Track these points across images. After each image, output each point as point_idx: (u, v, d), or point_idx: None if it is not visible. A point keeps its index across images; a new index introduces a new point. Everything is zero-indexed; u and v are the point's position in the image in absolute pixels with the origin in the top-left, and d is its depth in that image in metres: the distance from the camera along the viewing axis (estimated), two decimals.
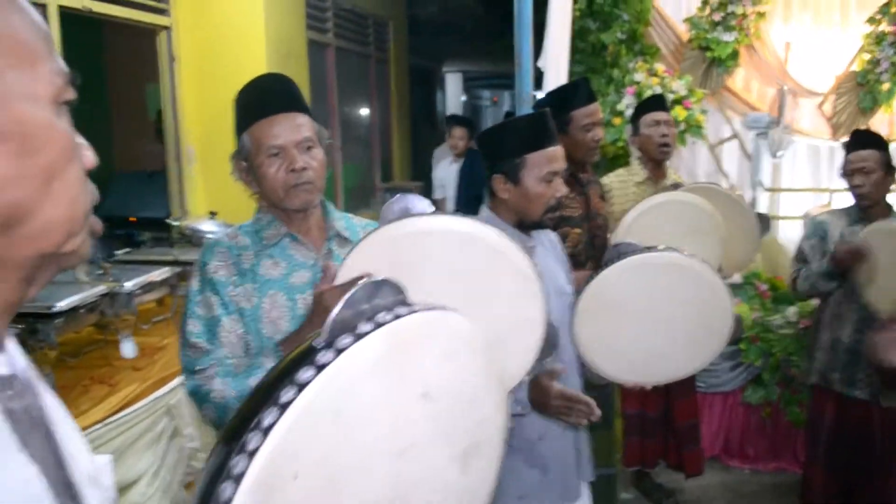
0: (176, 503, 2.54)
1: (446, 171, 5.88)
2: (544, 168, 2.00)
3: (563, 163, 2.06)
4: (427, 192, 6.61)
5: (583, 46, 5.15)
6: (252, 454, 0.59)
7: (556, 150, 2.03)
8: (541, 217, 2.05)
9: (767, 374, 3.97)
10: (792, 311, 3.99)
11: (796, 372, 3.87)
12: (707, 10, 4.97)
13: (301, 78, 5.22)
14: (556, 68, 4.50)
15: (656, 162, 3.31)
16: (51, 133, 0.59)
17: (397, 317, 0.74)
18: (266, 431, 0.60)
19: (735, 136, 5.49)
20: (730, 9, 4.89)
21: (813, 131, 5.34)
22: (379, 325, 0.72)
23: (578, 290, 2.06)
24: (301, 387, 0.63)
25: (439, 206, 6.04)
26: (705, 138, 5.12)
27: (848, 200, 5.32)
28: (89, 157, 0.65)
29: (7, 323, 0.62)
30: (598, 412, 1.90)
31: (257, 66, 4.60)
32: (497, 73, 15.72)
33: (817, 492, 3.28)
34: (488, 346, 0.85)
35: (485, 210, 2.10)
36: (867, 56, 4.84)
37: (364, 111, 7.00)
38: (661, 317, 2.04)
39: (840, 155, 5.42)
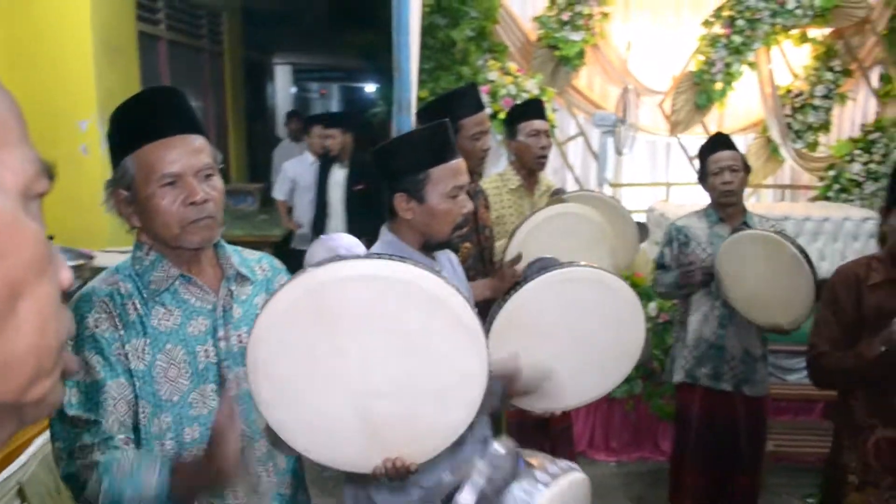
0: None
1: (303, 172, 5.50)
2: (449, 183, 1.85)
3: (467, 176, 1.93)
4: (268, 192, 6.24)
5: (431, 43, 5.07)
6: None
7: (460, 163, 1.89)
8: (449, 236, 1.91)
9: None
10: (651, 307, 4.12)
11: (657, 366, 3.99)
12: (555, 10, 5.03)
13: (131, 73, 4.75)
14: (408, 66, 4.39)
15: (531, 170, 3.24)
16: (18, 233, 0.43)
17: None
18: None
19: (581, 133, 5.63)
20: (577, 8, 4.98)
21: (652, 128, 5.58)
22: None
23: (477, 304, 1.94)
24: None
25: (280, 209, 5.69)
26: (555, 137, 5.19)
27: (684, 193, 5.68)
28: (67, 275, 0.48)
29: None
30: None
31: (82, 61, 4.13)
32: (326, 65, 15.43)
33: (687, 483, 3.37)
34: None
35: (385, 232, 1.92)
36: (702, 57, 5.09)
37: (198, 109, 6.53)
38: (577, 336, 1.96)
39: (676, 150, 5.77)
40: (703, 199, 3.30)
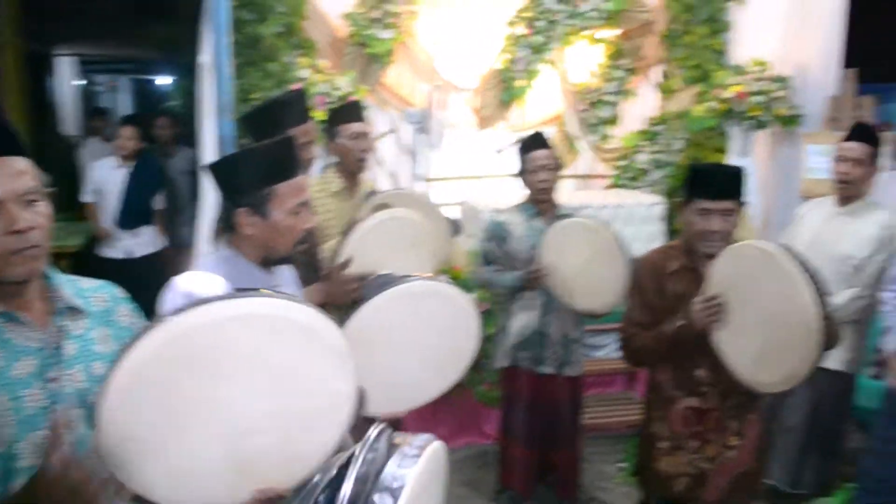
0: None
1: (108, 175, 5.18)
2: (294, 200, 1.86)
3: (309, 192, 1.95)
4: (63, 197, 5.79)
5: (238, 39, 4.92)
6: None
7: (304, 180, 1.91)
8: (290, 252, 1.91)
9: None
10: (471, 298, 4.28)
11: (479, 354, 4.17)
12: (364, 7, 5.06)
13: None
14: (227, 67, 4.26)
15: (352, 172, 3.25)
16: None
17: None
18: None
19: (393, 130, 5.71)
20: (386, 7, 5.04)
21: (462, 124, 5.78)
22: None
23: None
24: None
25: (91, 213, 5.32)
26: None
27: (494, 185, 5.93)
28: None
29: None
30: None
31: None
32: (116, 57, 14.46)
33: (515, 462, 3.59)
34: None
35: (223, 248, 1.88)
36: (507, 56, 5.35)
37: None
38: (418, 345, 2.08)
39: (486, 145, 6.00)
40: (511, 190, 3.52)
